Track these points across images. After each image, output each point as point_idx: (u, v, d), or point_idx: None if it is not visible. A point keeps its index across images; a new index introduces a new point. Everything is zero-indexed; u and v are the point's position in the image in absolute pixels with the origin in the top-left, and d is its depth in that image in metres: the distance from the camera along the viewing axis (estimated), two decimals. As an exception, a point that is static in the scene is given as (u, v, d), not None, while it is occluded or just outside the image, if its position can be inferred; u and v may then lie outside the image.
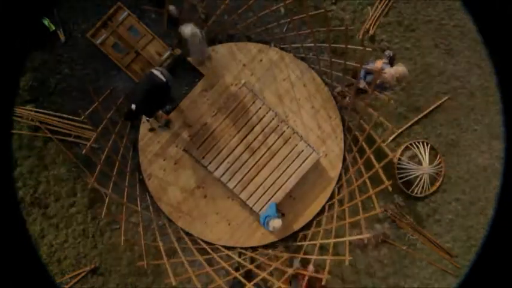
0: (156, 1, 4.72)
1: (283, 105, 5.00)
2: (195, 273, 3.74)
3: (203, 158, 4.69)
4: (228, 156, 4.70)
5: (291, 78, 5.03)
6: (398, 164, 5.22)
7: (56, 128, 4.86)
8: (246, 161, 4.72)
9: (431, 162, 5.25)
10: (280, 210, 4.79)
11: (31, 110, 4.85)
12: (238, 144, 4.72)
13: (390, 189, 3.59)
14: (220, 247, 4.83)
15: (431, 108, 5.35)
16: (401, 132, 5.32)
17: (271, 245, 4.98)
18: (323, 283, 3.63)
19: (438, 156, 5.32)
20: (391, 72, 4.07)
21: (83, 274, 4.90)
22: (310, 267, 3.97)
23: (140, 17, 4.83)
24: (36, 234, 4.90)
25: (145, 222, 4.55)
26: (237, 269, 4.27)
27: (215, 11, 4.54)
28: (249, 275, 4.13)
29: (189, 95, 4.91)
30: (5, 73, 2.32)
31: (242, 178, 4.71)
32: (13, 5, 2.26)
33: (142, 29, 4.77)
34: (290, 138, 4.77)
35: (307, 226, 4.99)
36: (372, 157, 3.94)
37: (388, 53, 4.94)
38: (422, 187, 5.25)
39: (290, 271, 3.94)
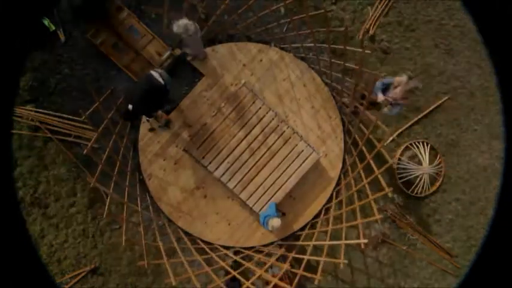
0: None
1: (283, 105, 5.00)
2: (194, 273, 3.74)
3: (203, 158, 4.69)
4: (228, 156, 4.70)
5: (291, 78, 5.03)
6: (398, 164, 5.22)
7: (56, 128, 4.86)
8: (246, 161, 4.72)
9: (431, 162, 5.25)
10: (280, 210, 4.79)
11: (31, 110, 4.85)
12: (238, 144, 4.72)
13: (390, 195, 3.59)
14: (218, 247, 4.83)
15: (431, 108, 5.35)
16: (401, 132, 5.32)
17: (271, 245, 4.98)
18: (315, 282, 3.63)
19: (438, 156, 5.31)
20: (397, 91, 4.08)
21: (83, 274, 4.90)
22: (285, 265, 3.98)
23: (140, 17, 4.84)
24: (36, 234, 4.90)
25: (146, 222, 4.55)
26: (231, 268, 4.27)
27: (215, 11, 4.54)
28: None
29: (189, 95, 4.91)
30: (5, 73, 2.32)
31: (242, 178, 4.71)
32: (13, 5, 2.26)
33: (142, 29, 4.77)
34: (290, 138, 4.76)
35: (307, 226, 4.99)
36: (372, 162, 3.93)
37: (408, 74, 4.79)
38: (422, 187, 5.25)
39: (285, 266, 3.94)
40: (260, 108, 4.76)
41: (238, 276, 3.96)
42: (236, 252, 4.84)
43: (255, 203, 4.72)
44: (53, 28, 4.83)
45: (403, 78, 4.18)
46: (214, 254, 4.44)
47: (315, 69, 5.05)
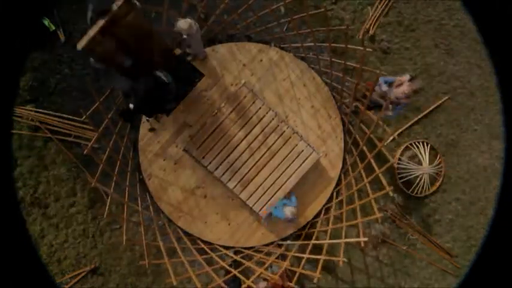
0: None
1: (283, 105, 5.00)
2: (195, 273, 3.75)
3: (203, 158, 4.69)
4: (228, 156, 4.70)
5: (291, 78, 5.03)
6: (398, 163, 5.22)
7: (56, 128, 4.86)
8: (246, 161, 4.72)
9: (431, 162, 5.25)
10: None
11: (31, 110, 4.85)
12: (238, 144, 4.72)
13: (391, 194, 3.59)
14: (218, 246, 4.84)
15: (431, 108, 5.35)
16: (401, 132, 5.32)
17: (271, 245, 4.98)
18: (315, 281, 3.64)
19: (438, 156, 5.32)
20: (400, 90, 4.08)
21: (83, 274, 4.90)
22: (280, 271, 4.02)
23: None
24: (36, 234, 4.90)
25: (146, 222, 4.55)
26: (230, 267, 4.28)
27: (215, 10, 4.54)
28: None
29: (189, 95, 4.90)
30: (5, 73, 2.32)
31: (242, 178, 4.71)
32: (13, 5, 2.26)
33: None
34: (290, 138, 4.77)
35: (307, 226, 4.99)
36: (373, 161, 3.93)
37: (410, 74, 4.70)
38: (422, 187, 5.25)
39: (285, 264, 3.94)
40: (260, 108, 4.76)
41: (238, 275, 3.96)
42: (236, 252, 4.84)
43: (255, 203, 4.73)
44: (53, 28, 4.83)
45: (405, 77, 4.19)
46: (214, 254, 4.44)
47: (315, 69, 5.05)
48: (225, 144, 4.71)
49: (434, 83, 5.39)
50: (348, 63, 4.01)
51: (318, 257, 3.93)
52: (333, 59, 4.23)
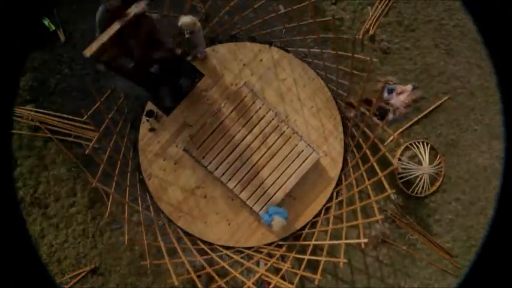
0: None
1: (283, 105, 5.00)
2: (195, 273, 3.75)
3: (203, 158, 4.69)
4: (228, 156, 4.70)
5: (291, 78, 5.03)
6: (399, 163, 5.21)
7: (56, 128, 4.86)
8: (246, 161, 4.72)
9: (431, 162, 5.25)
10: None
11: (31, 110, 4.85)
12: (238, 144, 4.72)
13: (392, 197, 3.59)
14: (219, 247, 4.84)
15: (431, 108, 5.35)
16: (402, 132, 5.32)
17: (271, 245, 4.98)
18: (316, 282, 3.64)
19: (438, 156, 5.32)
20: (401, 99, 4.10)
21: (83, 274, 4.90)
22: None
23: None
24: (36, 234, 4.90)
25: (146, 222, 4.55)
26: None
27: (216, 11, 4.54)
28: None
29: (189, 95, 4.90)
30: (5, 73, 2.32)
31: (242, 178, 4.71)
32: (13, 5, 2.26)
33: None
34: (290, 138, 4.77)
35: (307, 226, 4.99)
36: (375, 165, 3.92)
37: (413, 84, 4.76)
38: (422, 187, 5.25)
39: (286, 266, 3.94)
40: (260, 108, 4.76)
41: (238, 275, 3.96)
42: (236, 252, 4.84)
43: (255, 203, 4.73)
44: (53, 28, 4.83)
45: (407, 87, 4.22)
46: (214, 255, 4.44)
47: (315, 69, 5.05)
48: (225, 144, 4.71)
49: (434, 83, 5.39)
50: (355, 71, 3.99)
51: (319, 258, 3.93)
52: (339, 67, 4.22)
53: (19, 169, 4.87)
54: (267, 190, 4.73)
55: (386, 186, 3.58)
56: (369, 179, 4.06)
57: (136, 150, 4.89)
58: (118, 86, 4.81)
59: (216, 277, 3.92)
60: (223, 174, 4.69)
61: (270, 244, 4.94)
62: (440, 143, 5.39)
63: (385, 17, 5.33)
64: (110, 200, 3.96)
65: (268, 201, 4.71)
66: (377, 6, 5.29)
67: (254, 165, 4.74)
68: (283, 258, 4.70)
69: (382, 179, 3.66)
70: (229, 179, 4.69)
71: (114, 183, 4.01)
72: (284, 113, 4.98)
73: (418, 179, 5.24)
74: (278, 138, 4.76)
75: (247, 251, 4.85)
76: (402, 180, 5.23)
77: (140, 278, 4.97)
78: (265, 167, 4.76)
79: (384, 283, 5.27)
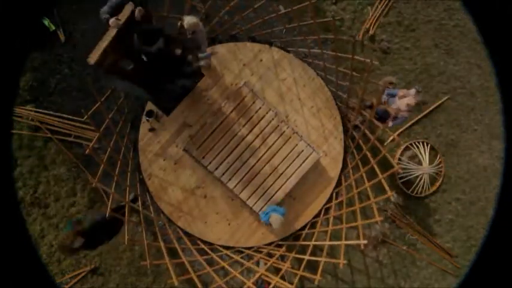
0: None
1: (283, 105, 5.00)
2: (195, 273, 3.75)
3: (203, 158, 4.69)
4: (228, 156, 4.70)
5: (291, 78, 5.03)
6: (399, 164, 5.22)
7: (56, 128, 4.86)
8: (246, 161, 4.72)
9: (431, 162, 5.25)
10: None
11: (31, 110, 4.85)
12: (238, 144, 4.72)
13: (392, 199, 3.59)
14: (219, 247, 4.84)
15: (431, 108, 5.35)
16: (401, 132, 5.32)
17: (271, 245, 4.98)
18: (316, 283, 3.64)
19: (438, 156, 5.32)
20: (405, 102, 4.12)
21: (83, 274, 4.90)
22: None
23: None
24: (36, 234, 4.90)
25: (146, 222, 4.55)
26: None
27: (216, 11, 4.54)
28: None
29: (189, 95, 4.90)
30: (5, 73, 2.32)
31: (242, 178, 4.71)
32: (13, 5, 2.26)
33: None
34: (290, 138, 4.77)
35: (307, 226, 4.99)
36: (376, 167, 3.92)
37: (417, 88, 4.62)
38: (422, 187, 5.25)
39: (285, 267, 3.94)
40: (260, 108, 4.76)
41: (238, 275, 3.96)
42: (236, 252, 4.85)
43: (255, 203, 4.73)
44: (53, 28, 4.83)
45: (411, 91, 4.23)
46: (214, 255, 4.44)
47: (315, 69, 5.05)
48: (225, 144, 4.71)
49: (434, 83, 5.39)
50: (354, 73, 3.99)
51: (319, 259, 3.92)
52: (339, 68, 4.22)
53: (19, 169, 4.87)
54: (267, 190, 4.73)
55: (387, 188, 3.57)
56: (368, 180, 4.05)
57: (136, 150, 4.89)
58: (118, 86, 4.81)
59: (216, 277, 3.92)
60: (223, 174, 4.69)
61: (269, 244, 4.95)
62: (440, 143, 5.39)
63: (385, 17, 5.33)
64: (110, 200, 3.96)
65: (268, 201, 4.71)
66: (377, 6, 5.29)
67: (254, 165, 4.74)
68: (283, 258, 4.70)
69: (382, 180, 3.65)
70: (229, 179, 4.69)
71: (114, 183, 4.01)
72: (284, 113, 4.98)
73: (418, 179, 5.24)
74: (278, 138, 4.76)
75: (247, 251, 4.85)
76: (402, 180, 5.23)
77: (140, 278, 4.97)
78: (265, 167, 4.76)
79: (383, 283, 5.27)
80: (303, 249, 4.69)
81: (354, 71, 3.94)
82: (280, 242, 4.95)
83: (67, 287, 4.85)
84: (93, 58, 3.26)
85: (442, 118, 5.40)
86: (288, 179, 4.76)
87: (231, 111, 4.73)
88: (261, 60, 5.00)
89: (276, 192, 4.74)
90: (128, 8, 3.33)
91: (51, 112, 4.87)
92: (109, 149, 4.11)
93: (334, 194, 5.00)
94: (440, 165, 5.32)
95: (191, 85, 4.88)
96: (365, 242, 3.61)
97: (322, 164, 5.01)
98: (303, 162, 4.77)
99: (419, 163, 5.25)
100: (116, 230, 4.21)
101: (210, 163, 4.69)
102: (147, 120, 4.78)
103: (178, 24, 3.79)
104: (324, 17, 4.34)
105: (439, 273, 5.37)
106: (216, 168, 4.68)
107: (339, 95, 4.93)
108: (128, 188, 4.25)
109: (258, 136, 4.74)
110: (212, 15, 4.75)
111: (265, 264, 4.49)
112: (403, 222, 5.27)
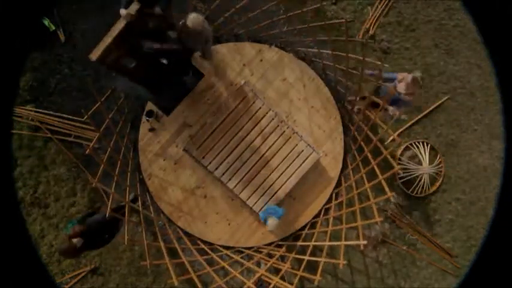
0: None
1: (283, 105, 5.00)
2: (195, 274, 3.75)
3: (203, 158, 4.69)
4: (228, 156, 4.70)
5: (291, 78, 5.03)
6: (399, 164, 5.21)
7: (56, 128, 4.86)
8: (246, 161, 4.72)
9: (431, 162, 5.25)
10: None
11: (31, 110, 4.85)
12: (238, 144, 4.72)
13: (392, 200, 3.57)
14: (219, 247, 4.84)
15: (431, 108, 5.35)
16: (401, 132, 5.32)
17: (271, 245, 4.98)
18: (315, 283, 3.64)
19: (438, 156, 5.32)
20: (405, 82, 4.11)
21: (83, 274, 4.90)
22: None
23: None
24: (36, 234, 4.90)
25: (146, 222, 4.55)
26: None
27: (218, 12, 4.54)
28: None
29: (189, 95, 4.91)
30: (5, 73, 2.32)
31: (242, 178, 4.71)
32: (13, 5, 2.26)
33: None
34: (290, 138, 4.77)
35: (307, 226, 4.99)
36: (376, 168, 3.91)
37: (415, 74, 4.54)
38: (422, 187, 5.25)
39: (286, 267, 3.94)
40: (260, 108, 4.76)
41: (238, 275, 3.96)
42: (236, 252, 4.85)
43: (255, 203, 4.73)
44: (53, 28, 4.83)
45: (409, 75, 4.22)
46: (214, 255, 4.44)
47: (316, 69, 5.05)
48: (225, 144, 4.71)
49: (434, 83, 5.39)
50: (354, 71, 3.99)
51: (319, 259, 3.92)
52: (339, 67, 4.22)
53: (19, 169, 4.87)
54: (267, 190, 4.73)
55: (387, 189, 3.56)
56: (368, 180, 4.04)
57: (136, 150, 4.89)
58: (118, 86, 4.82)
59: (216, 277, 3.92)
60: (223, 174, 4.69)
61: (269, 244, 4.95)
62: (440, 143, 5.39)
63: (385, 17, 5.33)
64: (110, 200, 3.96)
65: (268, 201, 4.71)
66: (377, 6, 5.29)
67: (254, 165, 4.74)
68: (283, 258, 4.70)
69: (383, 181, 3.65)
70: (229, 179, 4.69)
71: (114, 183, 4.01)
72: (284, 113, 4.98)
73: (418, 179, 5.23)
74: (278, 138, 4.76)
75: (247, 251, 4.85)
76: (402, 180, 5.23)
77: (140, 278, 4.97)
78: (265, 167, 4.76)
79: (383, 283, 5.27)
80: (302, 250, 4.69)
81: (354, 70, 3.94)
82: (280, 242, 4.95)
83: (67, 287, 4.85)
84: (95, 54, 3.25)
85: (442, 118, 5.40)
86: (288, 179, 4.76)
87: (231, 111, 4.73)
88: (261, 60, 5.00)
89: (276, 192, 4.74)
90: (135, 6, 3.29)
91: (51, 112, 4.88)
92: (109, 149, 4.10)
93: (334, 195, 4.99)
94: (440, 165, 5.32)
95: (192, 84, 4.88)
96: (365, 242, 3.61)
97: (322, 164, 5.01)
98: (303, 162, 4.77)
99: (419, 163, 5.25)
100: (116, 229, 4.21)
101: (210, 163, 4.69)
102: (147, 120, 4.78)
103: (180, 23, 3.78)
104: (324, 17, 4.34)
105: (439, 273, 5.37)
106: (216, 168, 4.68)
107: (338, 95, 4.92)
108: (128, 188, 4.25)
109: (258, 136, 4.74)
110: (213, 16, 4.75)
111: (265, 264, 4.49)
112: (403, 222, 5.27)
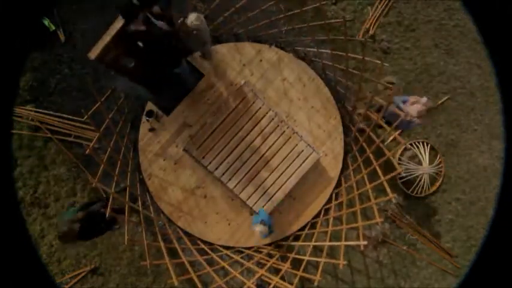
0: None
1: (283, 105, 5.00)
2: (195, 274, 3.75)
3: (203, 158, 4.69)
4: (228, 156, 4.70)
5: (291, 78, 5.03)
6: (399, 164, 5.21)
7: (56, 128, 4.86)
8: (246, 161, 4.72)
9: (431, 162, 5.25)
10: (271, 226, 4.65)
11: (31, 110, 4.85)
12: (238, 144, 4.72)
13: (394, 201, 3.56)
14: (219, 247, 4.84)
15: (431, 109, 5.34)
16: (401, 132, 5.32)
17: (271, 245, 4.98)
18: (315, 283, 3.64)
19: (438, 156, 5.32)
20: (416, 109, 4.13)
21: (83, 274, 4.90)
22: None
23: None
24: (36, 234, 4.90)
25: (146, 222, 4.54)
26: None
27: (217, 11, 4.54)
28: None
29: (189, 95, 4.91)
30: (5, 73, 2.32)
31: (242, 178, 4.71)
32: (13, 5, 2.26)
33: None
34: (290, 138, 4.77)
35: (307, 226, 4.99)
36: (378, 169, 3.90)
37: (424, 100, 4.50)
38: (422, 187, 5.25)
39: (285, 267, 3.94)
40: (260, 108, 4.76)
41: (238, 275, 3.96)
42: (236, 252, 4.85)
43: (255, 203, 4.72)
44: (53, 28, 4.84)
45: (423, 99, 4.24)
46: (214, 255, 4.44)
47: (316, 70, 5.05)
48: (225, 144, 4.71)
49: (434, 83, 5.39)
50: (355, 71, 3.98)
51: (319, 259, 3.92)
52: (339, 67, 4.21)
53: (19, 169, 4.87)
54: (267, 190, 4.73)
55: (388, 190, 3.55)
56: (369, 181, 4.04)
57: (137, 150, 4.89)
58: (118, 86, 4.82)
59: (216, 277, 3.92)
60: (223, 174, 4.69)
61: (270, 244, 4.94)
62: (440, 143, 5.39)
63: (385, 17, 5.33)
64: (110, 200, 3.96)
65: (268, 201, 4.71)
66: (377, 6, 5.29)
67: (254, 165, 4.74)
68: (283, 258, 4.69)
69: (385, 183, 3.64)
70: (229, 179, 4.69)
71: (114, 183, 4.01)
72: (284, 113, 4.98)
73: (418, 179, 5.23)
74: (278, 138, 4.76)
75: (247, 251, 4.85)
76: (402, 180, 5.23)
77: (140, 278, 4.97)
78: (265, 167, 4.76)
79: (383, 283, 5.26)
80: (302, 250, 4.69)
81: (354, 69, 3.94)
82: (280, 243, 4.95)
83: (67, 287, 4.85)
84: (94, 53, 3.26)
85: (442, 118, 5.40)
86: (288, 179, 4.76)
87: (231, 111, 4.73)
88: (261, 60, 5.00)
89: (276, 192, 4.74)
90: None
91: (51, 112, 4.88)
92: (109, 149, 4.11)
93: (334, 195, 4.99)
94: (440, 165, 5.32)
95: (192, 84, 4.88)
96: (365, 243, 3.61)
97: (322, 164, 5.01)
98: (303, 162, 4.77)
99: (419, 163, 5.25)
100: (114, 221, 4.20)
101: (210, 163, 4.69)
102: (147, 120, 4.78)
103: (179, 21, 3.78)
104: (324, 17, 4.33)
105: (439, 273, 5.37)
106: (216, 168, 4.68)
107: (338, 95, 4.92)
108: (128, 188, 4.25)
109: (258, 136, 4.74)
110: (213, 15, 4.75)
111: (265, 265, 4.48)
112: (403, 222, 5.27)
